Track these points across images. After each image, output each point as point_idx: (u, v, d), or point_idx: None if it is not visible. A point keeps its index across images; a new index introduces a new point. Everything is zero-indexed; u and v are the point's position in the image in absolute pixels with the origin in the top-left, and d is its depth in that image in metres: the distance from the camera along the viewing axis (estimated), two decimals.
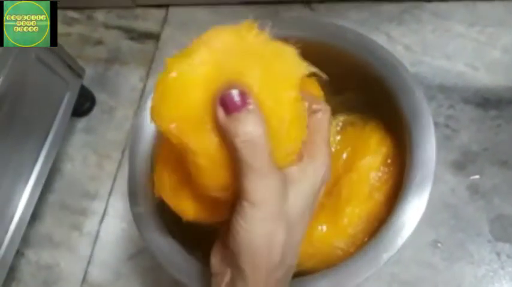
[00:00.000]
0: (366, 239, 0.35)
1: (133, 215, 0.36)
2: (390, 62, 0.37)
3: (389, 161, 0.37)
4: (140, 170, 0.38)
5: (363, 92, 0.40)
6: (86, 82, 0.57)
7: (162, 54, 0.60)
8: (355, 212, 0.36)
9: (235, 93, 0.23)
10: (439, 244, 0.43)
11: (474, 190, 0.44)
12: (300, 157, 0.26)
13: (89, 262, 0.50)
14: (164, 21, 0.62)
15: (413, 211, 0.32)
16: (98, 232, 0.52)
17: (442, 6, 0.53)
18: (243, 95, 0.23)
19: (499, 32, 0.50)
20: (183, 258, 0.35)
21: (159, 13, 0.62)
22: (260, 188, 0.23)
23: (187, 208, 0.28)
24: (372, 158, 0.37)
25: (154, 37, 0.61)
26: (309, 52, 0.41)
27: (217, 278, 0.27)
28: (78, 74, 0.54)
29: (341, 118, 0.41)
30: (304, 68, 0.27)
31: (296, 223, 0.25)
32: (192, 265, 0.34)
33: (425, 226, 0.44)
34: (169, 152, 0.29)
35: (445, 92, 0.49)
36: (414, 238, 0.33)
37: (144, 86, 0.58)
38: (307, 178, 0.25)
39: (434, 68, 0.50)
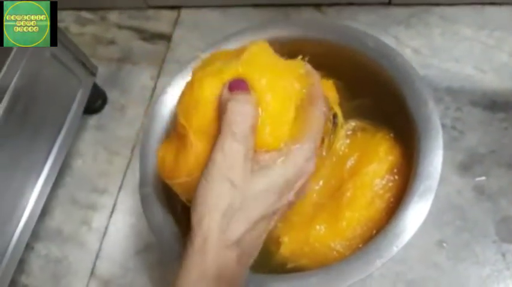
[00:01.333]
0: (362, 244, 0.36)
1: (140, 195, 0.37)
2: (407, 72, 0.38)
3: (395, 170, 0.38)
4: (152, 155, 0.40)
5: (377, 99, 0.41)
6: (99, 81, 0.58)
7: (174, 55, 0.61)
8: (355, 217, 0.37)
9: (240, 80, 0.28)
10: (444, 244, 0.43)
11: (480, 191, 0.44)
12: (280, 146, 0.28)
13: (97, 256, 0.51)
14: (176, 22, 0.63)
15: (412, 220, 0.33)
16: (106, 227, 0.52)
17: (450, 10, 0.54)
18: (245, 84, 0.28)
19: (507, 35, 0.51)
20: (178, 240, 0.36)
21: (171, 14, 0.64)
22: (227, 148, 0.26)
23: (181, 186, 0.30)
24: (378, 165, 0.37)
25: (166, 38, 0.62)
26: (330, 54, 0.42)
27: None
28: (91, 72, 0.56)
29: (353, 123, 0.42)
30: (303, 65, 0.31)
31: (252, 198, 0.27)
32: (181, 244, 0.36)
33: (431, 226, 0.44)
34: (171, 138, 0.32)
35: (453, 94, 0.49)
36: (420, 237, 0.33)
37: (155, 86, 0.59)
38: (277, 168, 0.27)
39: (442, 70, 0.51)
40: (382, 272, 0.43)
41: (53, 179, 0.50)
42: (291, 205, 0.29)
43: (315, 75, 0.31)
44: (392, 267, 0.43)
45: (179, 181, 0.30)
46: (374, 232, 0.35)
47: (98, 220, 0.53)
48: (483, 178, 0.45)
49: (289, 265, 0.37)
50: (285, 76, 0.30)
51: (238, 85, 0.27)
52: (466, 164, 0.46)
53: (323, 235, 0.36)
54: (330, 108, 0.37)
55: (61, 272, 0.51)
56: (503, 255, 0.42)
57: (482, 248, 0.42)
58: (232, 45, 0.44)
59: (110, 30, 0.65)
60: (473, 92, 0.49)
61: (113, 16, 0.66)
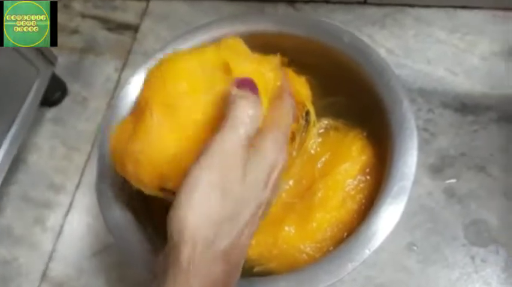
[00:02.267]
0: (332, 247, 0.35)
1: (96, 191, 0.34)
2: (383, 69, 0.37)
3: (367, 170, 0.36)
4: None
5: (350, 97, 0.40)
6: (59, 71, 0.55)
7: (141, 46, 0.58)
8: (326, 218, 0.35)
9: (250, 79, 0.26)
10: (414, 247, 0.42)
11: (451, 193, 0.44)
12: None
13: (50, 258, 0.47)
14: (144, 13, 0.60)
15: (385, 223, 0.31)
16: (61, 226, 0.49)
17: (424, 12, 0.53)
18: (255, 84, 0.26)
19: (478, 40, 0.51)
20: (135, 236, 0.34)
21: (139, 5, 0.61)
22: (230, 149, 0.23)
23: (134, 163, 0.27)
24: (351, 165, 0.36)
25: (133, 29, 0.59)
26: (303, 50, 0.41)
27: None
28: (50, 61, 0.52)
29: (325, 122, 0.41)
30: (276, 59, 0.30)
31: (241, 201, 0.24)
32: (142, 245, 0.34)
33: (402, 228, 0.43)
34: (128, 119, 0.29)
35: (425, 95, 0.49)
36: (390, 241, 0.32)
37: (119, 78, 0.56)
38: (256, 158, 0.25)
39: (415, 71, 0.50)
40: (352, 276, 0.42)
41: (3, 174, 0.46)
42: (269, 203, 0.27)
43: (282, 70, 0.30)
44: (362, 271, 0.42)
45: (130, 154, 0.26)
46: (345, 234, 0.34)
47: (53, 219, 0.49)
48: (453, 180, 0.45)
49: (256, 269, 0.35)
50: (261, 67, 0.29)
51: (248, 83, 0.25)
52: (437, 167, 0.45)
53: (292, 236, 0.34)
54: (303, 106, 0.35)
55: (10, 274, 0.47)
56: (472, 258, 0.41)
57: (451, 251, 0.41)
58: (200, 38, 0.42)
59: (74, 19, 0.62)
60: (445, 94, 0.49)
61: (77, 4, 0.63)
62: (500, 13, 0.52)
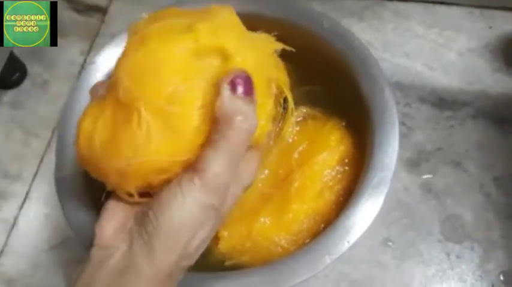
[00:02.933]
0: (309, 239, 0.33)
1: (55, 180, 0.31)
2: (364, 56, 0.36)
3: (346, 160, 0.35)
4: (72, 133, 0.34)
5: (329, 85, 0.39)
6: (18, 51, 0.51)
7: (109, 29, 0.55)
8: (303, 209, 0.34)
9: (247, 78, 0.22)
10: (390, 243, 0.41)
11: (427, 189, 0.43)
12: None
13: (2, 252, 0.43)
14: None
15: (365, 214, 0.30)
16: (16, 218, 0.45)
17: (403, 6, 0.53)
18: (252, 86, 0.23)
19: (455, 35, 0.51)
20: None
21: None
22: (221, 175, 0.22)
23: (115, 171, 0.23)
24: (329, 155, 0.35)
25: (101, 11, 0.56)
26: (281, 35, 0.39)
27: (104, 252, 0.22)
28: None
29: (303, 110, 0.39)
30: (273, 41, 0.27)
31: (221, 222, 0.24)
32: None
33: (377, 224, 0.41)
34: (100, 106, 0.24)
35: (403, 89, 0.48)
36: (366, 236, 0.31)
37: (85, 61, 0.53)
38: (240, 184, 0.24)
39: (393, 65, 0.49)
40: (325, 272, 0.40)
41: None
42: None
43: None
44: (336, 267, 0.40)
45: (115, 164, 0.22)
46: (322, 226, 0.32)
47: (7, 209, 0.46)
48: (430, 175, 0.44)
49: (228, 263, 0.33)
50: (265, 53, 0.26)
51: (245, 85, 0.22)
52: (414, 161, 0.45)
53: (267, 228, 0.33)
54: (281, 92, 0.33)
55: None
56: (448, 255, 0.40)
57: (427, 247, 0.41)
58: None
59: None
60: (423, 88, 0.48)
61: None
62: (477, 11, 0.52)
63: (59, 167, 0.35)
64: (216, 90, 0.22)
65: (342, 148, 0.35)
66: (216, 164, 0.21)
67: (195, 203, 0.21)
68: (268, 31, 0.37)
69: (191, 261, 0.23)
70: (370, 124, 0.33)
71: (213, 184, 0.21)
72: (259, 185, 0.34)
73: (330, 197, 0.33)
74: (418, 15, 0.52)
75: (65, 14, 0.56)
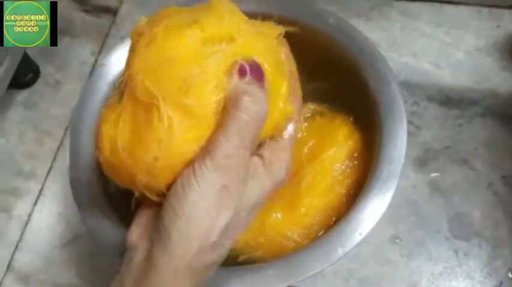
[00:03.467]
0: (321, 233, 0.33)
1: (70, 179, 0.32)
2: (370, 52, 0.36)
3: (355, 155, 0.35)
4: (85, 133, 0.35)
5: (336, 81, 0.39)
6: (31, 52, 0.52)
7: (119, 30, 0.56)
8: (314, 203, 0.34)
9: (256, 64, 0.22)
10: (398, 240, 0.42)
11: (435, 187, 0.43)
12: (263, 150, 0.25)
13: (16, 248, 0.44)
14: None
15: (376, 207, 0.30)
16: (30, 215, 0.46)
17: (411, 5, 0.53)
18: (262, 72, 0.23)
19: (463, 34, 0.51)
20: (114, 232, 0.32)
21: None
22: (234, 154, 0.21)
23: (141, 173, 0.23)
24: (338, 150, 0.35)
25: (111, 12, 0.57)
26: (288, 32, 0.39)
27: (130, 253, 0.23)
28: None
29: (311, 106, 0.39)
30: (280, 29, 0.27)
31: (244, 212, 0.23)
32: (117, 236, 0.31)
33: (386, 221, 0.42)
34: (118, 107, 0.24)
35: (410, 88, 0.48)
36: (374, 233, 0.31)
37: (96, 61, 0.54)
38: (270, 176, 0.24)
39: (400, 64, 0.50)
40: (334, 269, 0.41)
41: None
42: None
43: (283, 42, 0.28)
44: (345, 264, 0.41)
45: (142, 163, 0.22)
46: (334, 219, 0.33)
47: (21, 207, 0.47)
48: (437, 173, 0.44)
49: (241, 258, 0.33)
50: (269, 37, 0.26)
51: (255, 72, 0.22)
52: (422, 160, 0.45)
53: (280, 223, 0.33)
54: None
55: None
56: (456, 252, 0.41)
57: (435, 244, 0.41)
58: None
59: None
60: (430, 87, 0.48)
61: None
62: (485, 10, 0.52)
63: (73, 166, 0.35)
64: (228, 77, 0.22)
65: (351, 142, 0.35)
66: (227, 145, 0.21)
67: (209, 186, 0.21)
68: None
69: (217, 254, 0.22)
70: (377, 118, 0.33)
71: (225, 165, 0.21)
72: None
73: (340, 191, 0.34)
74: (425, 15, 0.52)
75: (75, 15, 0.57)
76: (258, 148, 0.24)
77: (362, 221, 0.29)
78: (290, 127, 0.26)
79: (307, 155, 0.35)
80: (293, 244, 0.32)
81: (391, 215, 0.42)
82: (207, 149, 0.21)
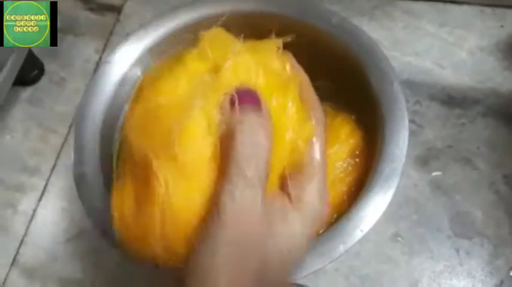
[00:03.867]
0: (321, 230, 0.34)
1: (74, 176, 0.32)
2: (372, 50, 0.36)
3: (357, 153, 0.36)
4: (89, 130, 0.35)
5: (339, 80, 0.39)
6: (36, 49, 0.52)
7: (123, 28, 0.56)
8: None
9: (248, 91, 0.20)
10: (399, 238, 0.42)
11: (436, 185, 0.44)
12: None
13: (21, 243, 0.45)
14: None
15: (377, 204, 0.31)
16: (34, 210, 0.46)
17: (414, 5, 0.53)
18: (256, 97, 0.20)
19: (466, 34, 0.51)
20: None
21: None
22: (239, 198, 0.18)
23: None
24: (340, 148, 0.35)
25: (116, 10, 0.57)
26: (288, 31, 0.39)
27: None
28: None
29: None
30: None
31: (277, 261, 0.20)
32: None
33: (387, 219, 0.42)
34: (124, 181, 0.22)
35: (413, 87, 0.48)
36: (375, 231, 0.32)
37: (100, 59, 0.54)
38: (302, 215, 0.21)
39: (403, 63, 0.50)
40: (335, 266, 0.41)
41: None
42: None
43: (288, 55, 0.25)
44: (346, 261, 0.41)
45: (160, 241, 0.20)
46: (335, 216, 0.33)
47: (26, 202, 0.47)
48: (439, 172, 0.44)
49: None
50: (261, 55, 0.23)
51: (246, 97, 0.20)
52: (423, 159, 0.45)
53: None
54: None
55: None
56: (457, 250, 0.41)
57: (436, 243, 0.41)
58: (183, 17, 0.40)
59: None
60: (433, 86, 0.48)
61: None
62: (489, 9, 0.52)
63: (77, 162, 0.36)
64: (220, 113, 0.20)
65: (352, 141, 0.35)
66: (230, 187, 0.19)
67: (215, 248, 0.18)
68: (277, 28, 0.38)
69: None
70: (379, 117, 0.34)
71: (233, 212, 0.19)
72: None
73: (341, 188, 0.34)
74: (428, 14, 0.52)
75: (80, 13, 0.58)
76: (282, 184, 0.22)
77: (363, 218, 0.29)
78: (316, 146, 0.22)
79: None
80: None
81: (392, 213, 0.43)
82: (214, 202, 0.19)
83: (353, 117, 0.37)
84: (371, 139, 0.34)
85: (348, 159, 0.34)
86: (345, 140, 0.35)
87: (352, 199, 0.32)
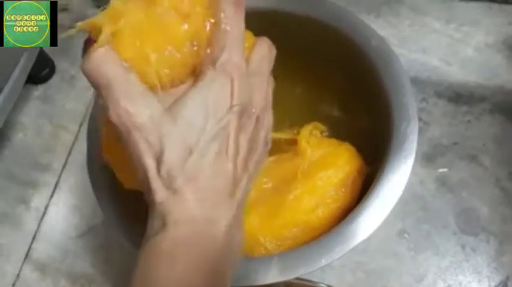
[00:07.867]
0: (294, 248, 0.32)
1: (88, 169, 0.33)
2: (385, 53, 0.36)
3: (349, 182, 0.35)
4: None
5: (348, 81, 0.39)
6: (47, 48, 0.53)
7: None
8: (293, 218, 0.34)
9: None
10: (405, 235, 0.42)
11: (442, 182, 0.44)
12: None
13: (34, 238, 0.46)
14: None
15: (372, 218, 0.31)
16: (46, 206, 0.48)
17: (420, 2, 0.53)
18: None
19: (473, 31, 0.51)
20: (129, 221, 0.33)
21: None
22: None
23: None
24: (334, 173, 0.35)
25: None
26: (300, 30, 0.39)
27: None
28: None
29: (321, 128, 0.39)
30: None
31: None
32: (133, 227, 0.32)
33: (393, 216, 0.42)
34: None
35: (419, 85, 0.49)
36: (381, 228, 0.32)
37: None
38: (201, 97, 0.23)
39: (409, 60, 0.50)
40: (342, 262, 0.41)
41: None
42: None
43: None
44: (352, 257, 0.42)
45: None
46: (312, 236, 0.33)
47: (38, 198, 0.48)
48: (445, 169, 0.45)
49: None
50: None
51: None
52: (430, 155, 0.45)
53: (255, 225, 0.33)
54: None
55: None
56: (463, 247, 0.41)
57: (442, 239, 0.42)
58: None
59: None
60: (439, 83, 0.48)
61: None
62: (496, 6, 0.52)
63: (90, 158, 0.36)
64: None
65: (347, 168, 0.35)
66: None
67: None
68: (286, 27, 0.38)
69: (200, 158, 0.22)
70: (390, 124, 0.34)
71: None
72: (264, 179, 0.35)
73: (323, 214, 0.33)
74: (435, 11, 0.53)
75: (90, 11, 0.59)
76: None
77: (353, 233, 0.30)
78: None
79: (305, 170, 0.35)
80: (263, 251, 0.32)
81: (398, 209, 0.43)
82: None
83: (354, 148, 0.37)
84: (365, 171, 0.35)
85: (339, 187, 0.34)
86: (341, 166, 0.35)
87: (331, 226, 0.31)
